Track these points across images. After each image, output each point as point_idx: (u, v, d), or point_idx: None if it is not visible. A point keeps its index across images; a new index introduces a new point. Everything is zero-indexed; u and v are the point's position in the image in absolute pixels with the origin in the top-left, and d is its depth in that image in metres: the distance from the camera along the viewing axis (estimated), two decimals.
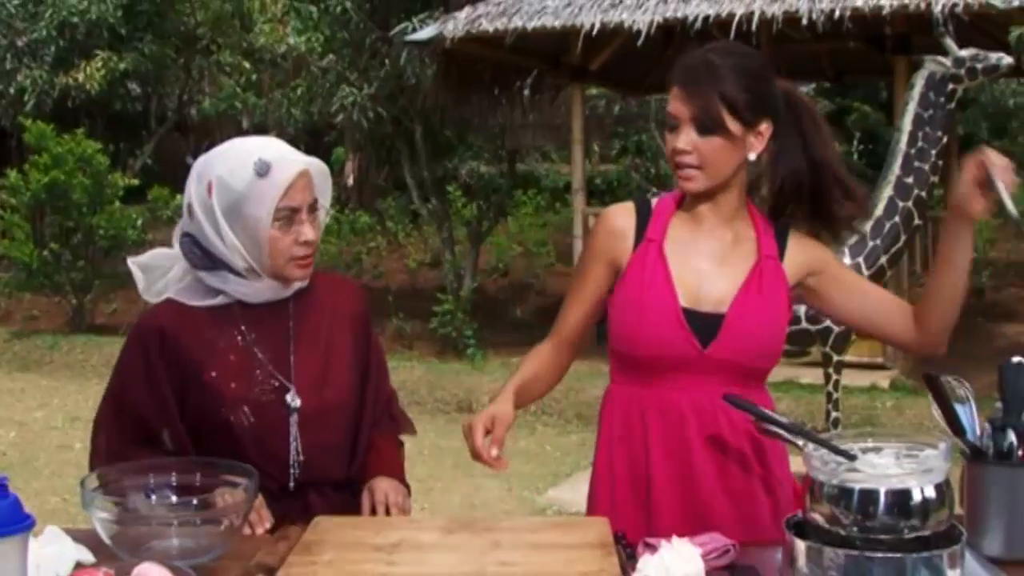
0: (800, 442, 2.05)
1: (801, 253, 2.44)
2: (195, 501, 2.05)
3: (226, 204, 2.32)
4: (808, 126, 2.42)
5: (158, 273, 2.48)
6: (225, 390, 2.35)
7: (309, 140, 18.53)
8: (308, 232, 2.33)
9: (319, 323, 2.46)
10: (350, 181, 17.17)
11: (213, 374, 2.36)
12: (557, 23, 10.12)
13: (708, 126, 2.30)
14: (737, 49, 2.45)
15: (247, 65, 16.52)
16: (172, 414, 2.36)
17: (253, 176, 2.29)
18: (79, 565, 1.97)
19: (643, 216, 2.45)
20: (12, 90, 15.95)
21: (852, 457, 1.97)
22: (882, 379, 9.17)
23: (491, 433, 2.22)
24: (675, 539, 2.01)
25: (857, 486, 1.90)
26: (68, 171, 12.13)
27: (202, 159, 2.41)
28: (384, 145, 16.24)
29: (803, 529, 1.96)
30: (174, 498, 2.14)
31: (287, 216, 2.31)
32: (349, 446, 2.48)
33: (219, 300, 2.40)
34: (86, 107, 16.03)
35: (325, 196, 2.43)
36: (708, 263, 2.40)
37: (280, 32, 14.80)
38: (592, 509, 2.48)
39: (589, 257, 2.50)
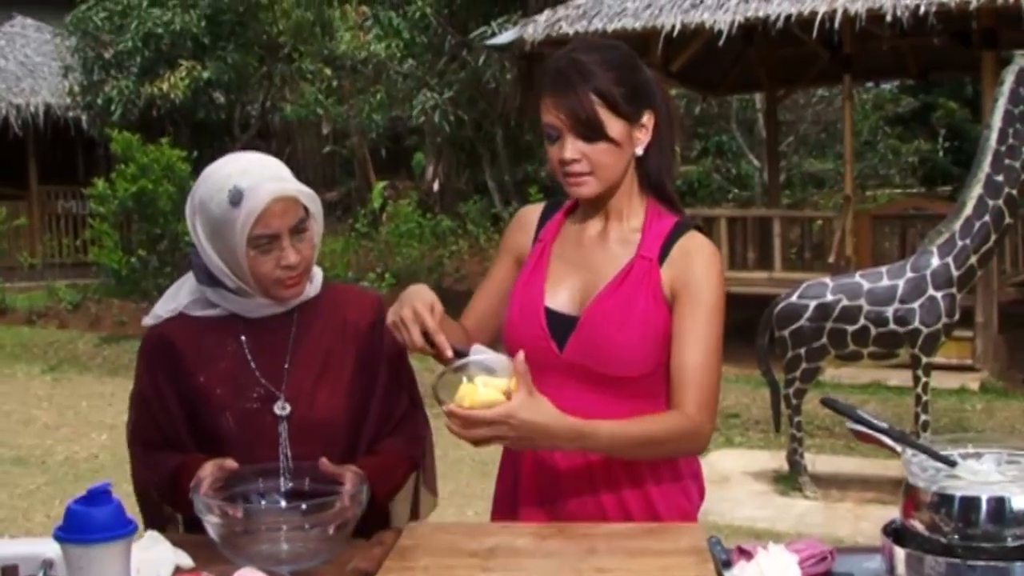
0: (898, 447, 2.02)
1: (676, 266, 2.26)
2: (304, 506, 2.04)
3: (207, 229, 2.30)
4: (664, 125, 2.31)
5: (168, 299, 2.49)
6: (211, 396, 2.34)
7: (390, 145, 18.71)
8: (290, 256, 2.26)
9: (320, 336, 2.41)
10: (435, 186, 17.26)
11: (202, 379, 2.35)
12: (637, 25, 10.10)
13: (590, 132, 2.19)
14: (599, 43, 2.32)
15: (328, 72, 16.67)
16: (175, 420, 2.37)
17: (227, 204, 2.24)
18: (179, 569, 2.00)
19: (546, 216, 2.42)
20: (100, 101, 16.29)
21: (952, 463, 1.94)
22: (971, 381, 8.99)
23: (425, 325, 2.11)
24: (771, 545, 2.00)
25: (958, 493, 1.86)
26: (154, 180, 12.37)
27: (199, 178, 2.38)
28: (465, 149, 16.33)
29: (902, 536, 1.93)
30: (283, 503, 2.17)
31: (266, 243, 2.25)
32: (345, 461, 2.29)
33: (219, 311, 2.39)
34: (171, 116, 16.32)
35: (316, 214, 2.34)
36: (582, 263, 2.33)
37: (361, 39, 14.94)
38: (496, 497, 2.46)
39: (499, 251, 2.50)
